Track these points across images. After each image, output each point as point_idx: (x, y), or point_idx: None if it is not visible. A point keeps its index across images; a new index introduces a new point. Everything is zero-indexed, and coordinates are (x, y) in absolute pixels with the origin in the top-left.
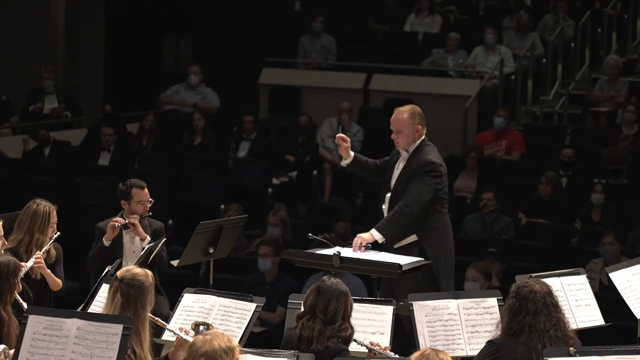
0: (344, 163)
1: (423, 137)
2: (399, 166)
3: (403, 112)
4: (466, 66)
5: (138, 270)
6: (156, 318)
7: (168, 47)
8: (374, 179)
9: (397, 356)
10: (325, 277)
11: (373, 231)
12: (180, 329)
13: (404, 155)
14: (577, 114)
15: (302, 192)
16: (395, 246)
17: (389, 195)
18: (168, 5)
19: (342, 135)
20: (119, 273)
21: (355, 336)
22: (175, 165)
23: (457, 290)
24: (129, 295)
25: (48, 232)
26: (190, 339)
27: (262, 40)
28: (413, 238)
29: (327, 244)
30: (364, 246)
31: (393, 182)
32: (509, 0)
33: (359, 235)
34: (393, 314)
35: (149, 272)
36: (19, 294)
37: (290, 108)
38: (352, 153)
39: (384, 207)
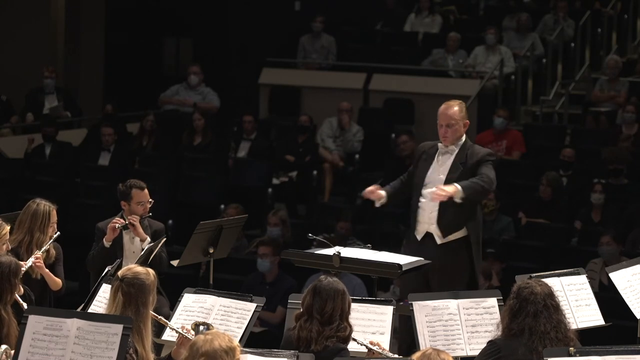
0: (378, 204)
1: None
2: (444, 160)
3: (454, 106)
4: (466, 66)
5: (139, 269)
6: (159, 316)
7: (168, 47)
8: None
9: (396, 356)
10: (322, 277)
11: (457, 186)
12: (182, 327)
13: (448, 149)
14: (577, 114)
15: (302, 192)
16: (440, 242)
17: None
18: (168, 5)
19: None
20: (120, 272)
21: (355, 336)
22: (175, 165)
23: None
24: (129, 294)
25: (48, 232)
26: (192, 337)
27: (262, 40)
28: (461, 233)
29: (327, 244)
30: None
31: (441, 175)
32: (509, 0)
33: (440, 187)
34: (393, 314)
35: (151, 271)
36: (20, 296)
37: (290, 108)
38: (383, 193)
39: (423, 200)
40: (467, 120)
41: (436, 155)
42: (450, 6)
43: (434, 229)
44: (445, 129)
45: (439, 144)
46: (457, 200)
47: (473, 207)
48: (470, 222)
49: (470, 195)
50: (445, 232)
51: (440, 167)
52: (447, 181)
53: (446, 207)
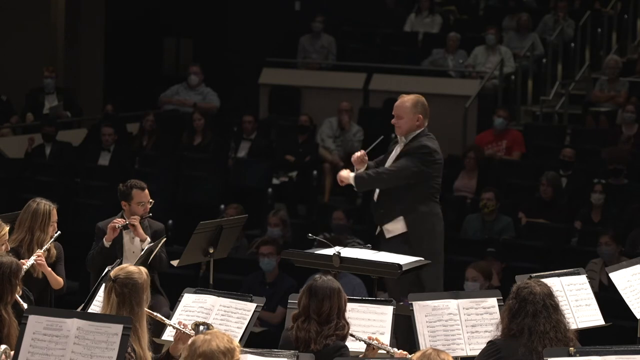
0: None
1: (423, 128)
2: (395, 152)
3: (407, 100)
4: (466, 66)
5: (131, 268)
6: (155, 313)
7: (168, 47)
8: None
9: (395, 349)
10: (317, 276)
11: (352, 175)
12: (179, 323)
13: (401, 141)
14: (577, 114)
15: (302, 192)
16: (388, 236)
17: None
18: (168, 5)
19: (362, 154)
20: (112, 273)
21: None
22: (175, 165)
23: (456, 289)
24: (123, 294)
25: (49, 231)
26: (189, 332)
27: (262, 40)
28: (401, 229)
29: (327, 244)
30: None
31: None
32: (509, 0)
33: (341, 172)
34: (393, 314)
35: (143, 269)
36: (19, 296)
37: (290, 108)
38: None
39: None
40: (421, 115)
41: (395, 148)
42: (450, 6)
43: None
44: (396, 120)
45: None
46: (355, 189)
47: (413, 200)
48: (409, 216)
49: (363, 185)
50: (378, 221)
51: (390, 159)
52: None
53: (381, 196)
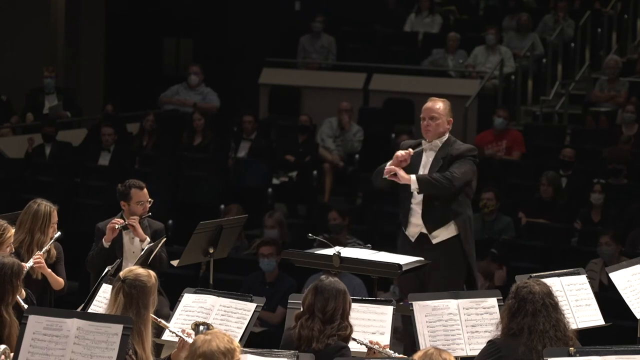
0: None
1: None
2: (426, 158)
3: (439, 101)
4: (466, 66)
5: (141, 270)
6: (159, 319)
7: (168, 47)
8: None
9: (397, 355)
10: (323, 277)
11: (413, 177)
12: (183, 331)
13: (431, 145)
14: (577, 114)
15: (302, 192)
16: (435, 242)
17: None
18: (168, 5)
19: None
20: (121, 273)
21: (355, 336)
22: (175, 165)
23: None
24: (131, 295)
25: (49, 232)
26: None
27: (262, 40)
28: (453, 232)
29: (327, 244)
30: (393, 174)
31: (423, 171)
32: (509, 0)
33: (400, 172)
34: (393, 314)
35: (152, 273)
36: (22, 299)
37: (290, 108)
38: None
39: (414, 201)
40: (451, 119)
41: (422, 152)
42: (450, 6)
43: (425, 229)
44: (428, 122)
45: (423, 142)
46: (413, 191)
47: (459, 204)
48: (458, 219)
49: (428, 188)
50: (431, 228)
51: (425, 164)
52: None
53: (430, 203)
